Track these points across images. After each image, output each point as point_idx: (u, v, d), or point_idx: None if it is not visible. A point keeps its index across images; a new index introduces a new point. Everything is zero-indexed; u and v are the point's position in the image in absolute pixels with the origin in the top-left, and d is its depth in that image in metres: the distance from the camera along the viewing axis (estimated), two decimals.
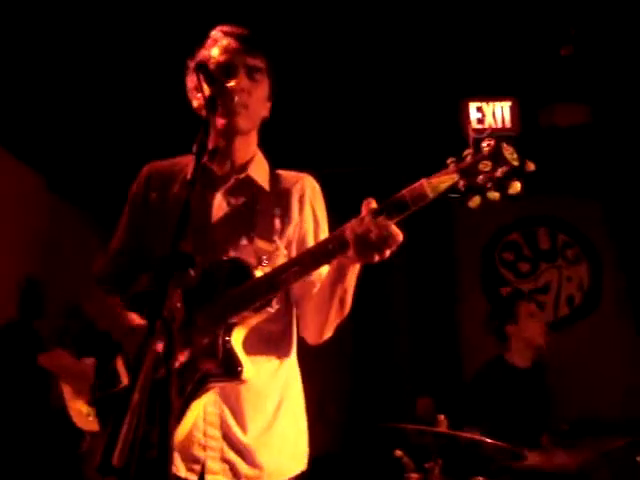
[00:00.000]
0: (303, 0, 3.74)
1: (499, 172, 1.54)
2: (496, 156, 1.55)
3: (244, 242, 1.88)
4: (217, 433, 1.83)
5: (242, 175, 1.98)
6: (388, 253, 1.60)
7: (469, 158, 1.58)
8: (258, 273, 1.76)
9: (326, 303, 1.80)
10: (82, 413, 1.93)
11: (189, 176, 1.41)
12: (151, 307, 1.20)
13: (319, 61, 4.17)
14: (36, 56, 3.96)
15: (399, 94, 4.55)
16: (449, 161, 1.60)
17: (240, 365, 1.71)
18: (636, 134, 4.83)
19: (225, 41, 1.94)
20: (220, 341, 1.72)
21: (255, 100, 1.94)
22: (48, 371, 3.59)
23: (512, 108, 4.65)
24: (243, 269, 1.76)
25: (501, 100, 4.63)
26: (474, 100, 4.60)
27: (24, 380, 4.16)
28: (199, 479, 1.81)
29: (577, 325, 5.48)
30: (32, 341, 4.37)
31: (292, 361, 2.00)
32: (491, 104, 4.58)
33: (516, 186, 1.55)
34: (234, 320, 1.74)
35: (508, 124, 4.65)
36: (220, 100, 1.77)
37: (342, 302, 1.79)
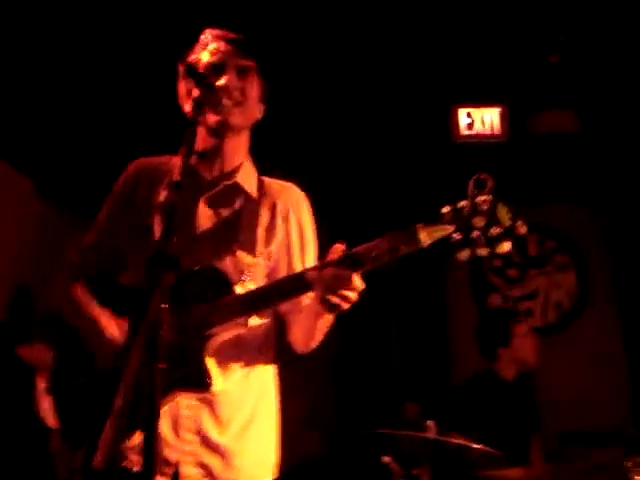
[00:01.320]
0: (292, 6, 3.73)
1: (492, 231, 1.58)
2: (491, 214, 1.59)
3: (227, 253, 1.85)
4: (193, 437, 1.80)
5: (230, 182, 1.96)
6: (347, 306, 1.64)
7: (465, 212, 1.61)
8: (238, 289, 1.76)
9: (311, 322, 1.82)
10: (52, 408, 1.88)
11: (176, 178, 1.39)
12: (136, 308, 1.19)
13: (309, 67, 4.15)
14: (23, 58, 3.92)
15: (388, 100, 4.54)
16: (445, 210, 1.63)
17: (209, 377, 1.71)
18: (625, 141, 4.85)
19: (215, 44, 1.92)
20: (192, 353, 1.71)
21: (247, 98, 1.92)
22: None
23: (501, 114, 4.65)
24: (223, 283, 1.76)
25: (490, 106, 4.64)
26: (464, 106, 4.61)
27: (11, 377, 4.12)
28: None
29: (564, 332, 5.49)
30: (21, 339, 4.32)
31: (267, 368, 1.98)
32: (481, 110, 4.59)
33: (505, 246, 1.59)
34: (208, 333, 1.73)
35: (497, 130, 4.66)
36: (211, 100, 1.75)
37: (325, 324, 1.82)
